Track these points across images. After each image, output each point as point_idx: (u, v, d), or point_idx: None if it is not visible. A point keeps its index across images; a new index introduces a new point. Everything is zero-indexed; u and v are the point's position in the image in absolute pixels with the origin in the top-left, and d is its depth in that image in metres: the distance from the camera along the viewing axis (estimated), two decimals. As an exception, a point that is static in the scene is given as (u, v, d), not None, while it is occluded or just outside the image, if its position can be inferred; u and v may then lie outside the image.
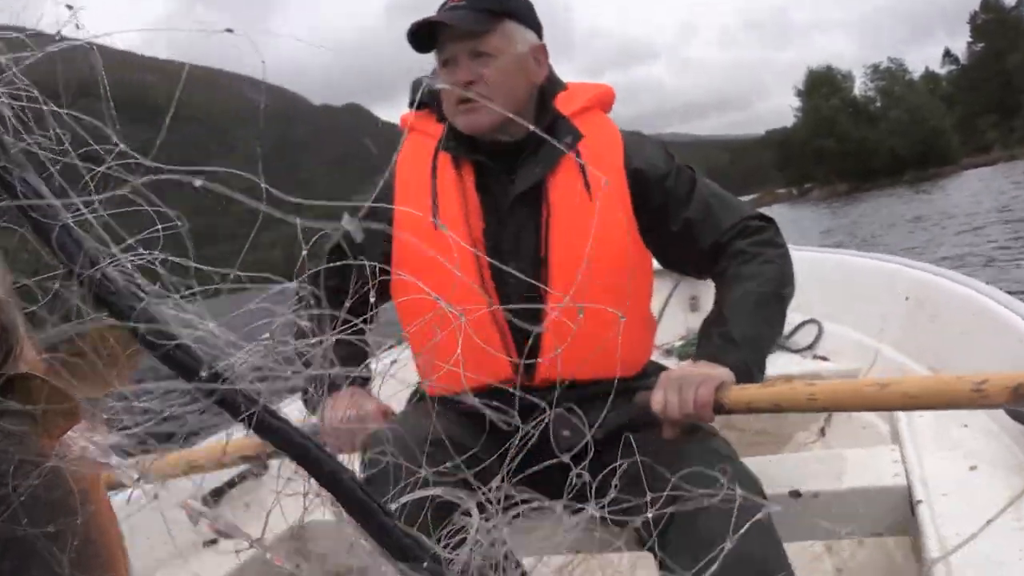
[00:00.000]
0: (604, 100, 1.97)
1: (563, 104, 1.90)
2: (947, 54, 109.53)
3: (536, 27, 1.88)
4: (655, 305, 1.94)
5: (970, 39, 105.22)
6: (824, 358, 3.04)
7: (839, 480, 1.81)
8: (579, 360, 1.77)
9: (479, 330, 1.77)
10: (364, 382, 1.85)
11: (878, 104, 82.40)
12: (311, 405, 1.80)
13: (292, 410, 2.52)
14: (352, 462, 1.70)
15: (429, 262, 1.80)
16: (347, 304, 1.91)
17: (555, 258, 1.76)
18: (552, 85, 1.92)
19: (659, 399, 1.58)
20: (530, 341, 1.74)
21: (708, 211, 1.81)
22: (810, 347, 3.14)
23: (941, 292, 2.50)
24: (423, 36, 1.79)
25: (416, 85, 2.01)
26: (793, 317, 3.20)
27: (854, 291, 3.09)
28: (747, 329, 1.64)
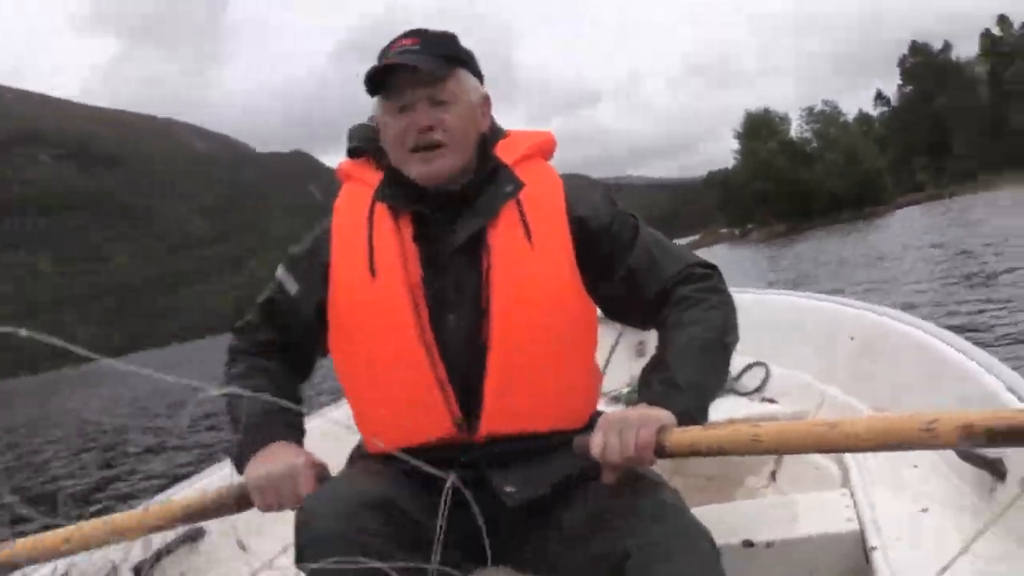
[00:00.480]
0: (545, 148, 1.94)
1: (504, 152, 1.87)
2: (879, 96, 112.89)
3: (480, 77, 1.88)
4: (600, 353, 1.90)
5: (900, 82, 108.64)
6: (772, 400, 3.02)
7: (792, 527, 1.78)
8: (522, 413, 1.73)
9: (418, 385, 1.72)
10: (298, 437, 1.79)
11: (814, 146, 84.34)
12: (239, 462, 1.73)
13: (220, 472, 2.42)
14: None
15: (367, 311, 1.75)
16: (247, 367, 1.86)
17: (497, 308, 1.71)
18: (493, 134, 1.90)
19: (598, 442, 1.53)
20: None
21: (651, 259, 1.78)
22: (758, 390, 3.13)
23: (886, 332, 2.51)
24: (377, 79, 1.76)
25: (353, 132, 1.97)
26: (740, 359, 3.19)
27: (801, 333, 3.09)
28: (690, 375, 1.60)
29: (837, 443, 1.40)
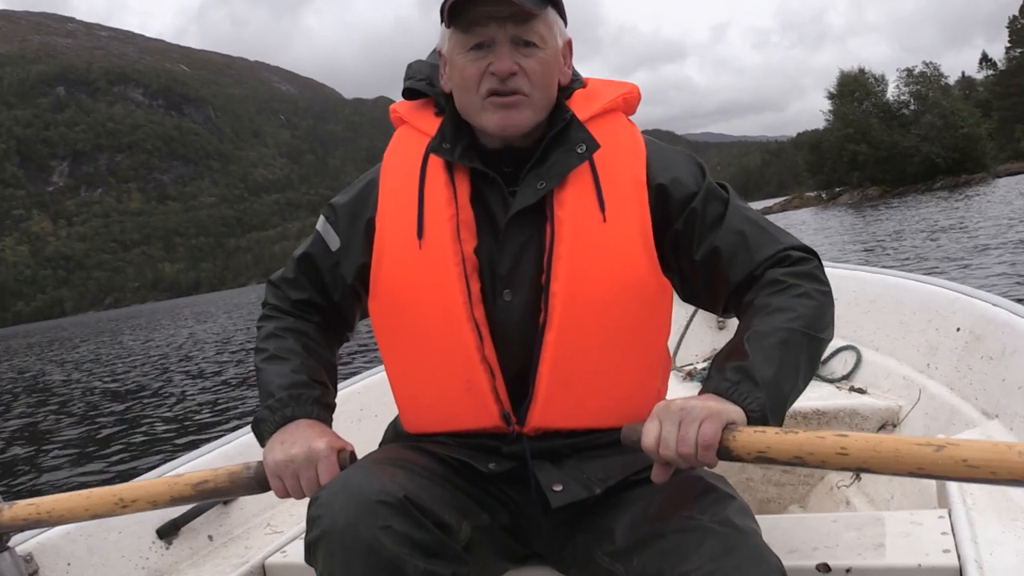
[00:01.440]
0: (628, 101, 1.70)
1: (580, 105, 1.64)
2: (984, 59, 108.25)
3: (565, 19, 1.64)
4: (675, 322, 1.66)
5: (1009, 44, 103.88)
6: (861, 390, 2.75)
7: (877, 553, 1.52)
8: (578, 407, 1.53)
9: (463, 368, 1.54)
10: (325, 414, 1.62)
11: (912, 108, 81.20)
12: (260, 438, 1.57)
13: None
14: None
15: (412, 280, 1.56)
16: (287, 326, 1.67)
17: (559, 287, 1.51)
18: (570, 83, 1.67)
19: (652, 433, 1.30)
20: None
21: (742, 239, 1.54)
22: (846, 377, 2.86)
23: (1001, 327, 2.20)
24: (457, 7, 1.53)
25: (413, 69, 1.75)
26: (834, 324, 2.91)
27: (899, 316, 2.78)
28: (768, 369, 1.34)
29: (943, 469, 1.14)
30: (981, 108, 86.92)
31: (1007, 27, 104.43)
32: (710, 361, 3.36)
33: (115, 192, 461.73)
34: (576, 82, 1.69)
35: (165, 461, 2.37)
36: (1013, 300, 2.33)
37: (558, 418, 1.53)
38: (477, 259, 1.55)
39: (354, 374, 3.01)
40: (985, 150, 76.60)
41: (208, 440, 2.50)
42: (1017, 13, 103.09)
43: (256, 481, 1.50)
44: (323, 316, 1.74)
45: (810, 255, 1.55)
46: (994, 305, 2.30)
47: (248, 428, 1.86)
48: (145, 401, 14.10)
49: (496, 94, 1.53)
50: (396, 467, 1.45)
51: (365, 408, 2.77)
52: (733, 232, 1.54)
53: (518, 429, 1.54)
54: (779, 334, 1.39)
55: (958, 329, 2.41)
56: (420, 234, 1.55)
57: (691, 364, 3.44)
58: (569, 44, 1.65)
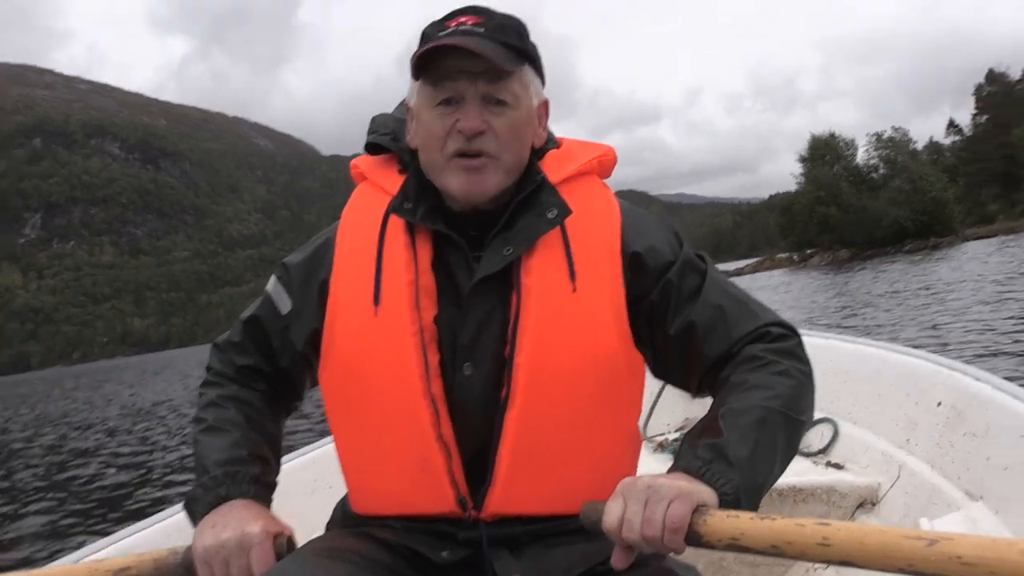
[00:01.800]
0: (604, 164, 1.61)
1: (553, 167, 1.55)
2: (951, 125, 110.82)
3: (543, 78, 1.55)
4: (648, 383, 1.56)
5: (975, 111, 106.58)
6: (839, 466, 2.65)
7: None
8: (540, 491, 1.42)
9: (417, 446, 1.42)
10: (264, 493, 1.48)
11: (881, 172, 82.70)
12: (192, 518, 1.44)
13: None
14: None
15: (366, 350, 1.45)
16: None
17: (523, 360, 1.40)
18: (544, 144, 1.59)
19: (615, 512, 1.18)
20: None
21: (720, 314, 1.44)
22: (823, 451, 2.75)
23: (985, 403, 2.11)
24: (428, 60, 1.43)
25: (377, 122, 1.66)
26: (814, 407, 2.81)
27: (878, 389, 2.69)
28: (743, 449, 1.23)
29: (938, 567, 1.03)
30: (948, 173, 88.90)
31: (973, 95, 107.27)
32: (683, 432, 3.26)
33: (87, 245, 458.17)
34: (550, 143, 1.61)
35: (107, 533, 2.20)
36: (996, 374, 2.24)
37: (518, 503, 1.42)
38: (437, 328, 1.45)
39: (316, 439, 2.87)
40: (952, 214, 78.13)
41: (149, 513, 2.33)
42: (983, 81, 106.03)
43: (183, 568, 1.37)
44: (269, 384, 1.62)
45: (791, 332, 1.45)
46: (977, 380, 2.21)
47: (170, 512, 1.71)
48: (91, 466, 13.60)
49: (462, 155, 1.43)
50: (336, 559, 1.33)
51: (320, 479, 2.63)
52: (711, 306, 1.45)
53: (475, 514, 1.43)
54: (756, 412, 1.28)
55: (939, 404, 2.32)
56: (376, 300, 1.45)
57: (662, 435, 3.32)
58: (546, 105, 1.57)
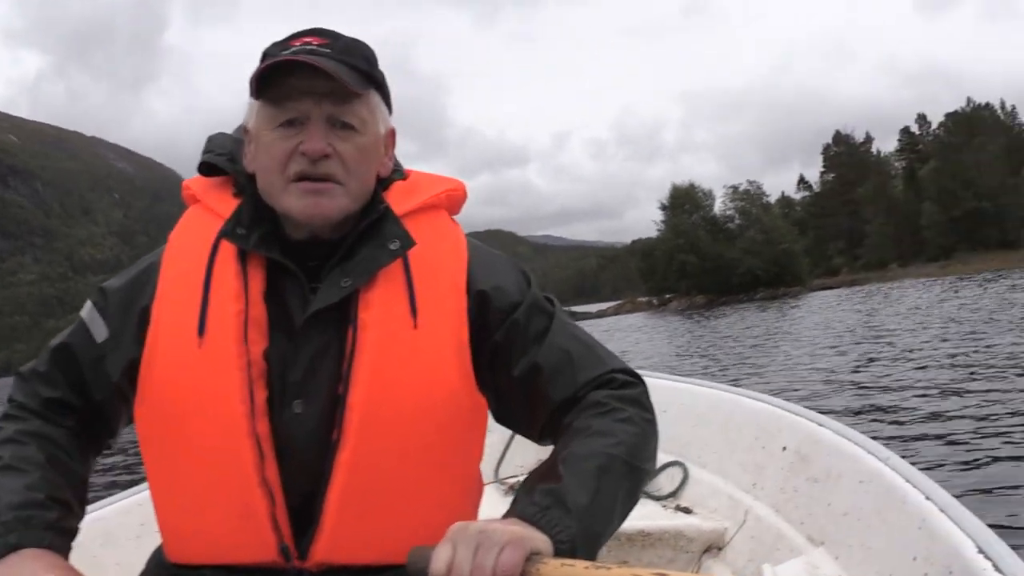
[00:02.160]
0: (453, 199, 1.55)
1: (398, 198, 1.47)
2: (802, 181, 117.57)
3: (390, 106, 1.49)
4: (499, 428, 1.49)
5: (823, 168, 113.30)
6: (687, 510, 2.64)
7: None
8: (371, 540, 1.33)
9: (238, 490, 1.30)
10: (62, 541, 1.32)
11: (737, 223, 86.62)
12: None
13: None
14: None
15: (187, 384, 1.32)
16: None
17: (357, 399, 1.31)
18: (390, 174, 1.51)
19: (443, 558, 1.09)
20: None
21: (566, 358, 1.39)
22: (672, 495, 2.75)
23: (826, 448, 2.14)
24: (266, 78, 1.34)
25: (214, 142, 1.54)
26: (657, 456, 2.80)
27: (727, 433, 2.71)
28: (583, 496, 1.18)
29: None
30: (799, 226, 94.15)
31: (822, 153, 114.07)
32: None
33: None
34: (396, 174, 1.54)
35: None
36: (838, 419, 2.29)
37: (347, 552, 1.32)
38: (267, 363, 1.34)
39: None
40: (801, 265, 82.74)
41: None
42: (830, 142, 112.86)
43: None
44: (79, 419, 1.45)
45: (636, 380, 1.42)
46: (820, 425, 2.25)
47: None
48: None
49: (305, 178, 1.34)
50: None
51: (148, 523, 2.42)
52: (557, 349, 1.40)
53: (299, 564, 1.32)
54: (598, 459, 1.23)
55: (784, 448, 2.35)
56: (201, 330, 1.33)
57: (515, 476, 3.25)
58: (392, 133, 1.50)
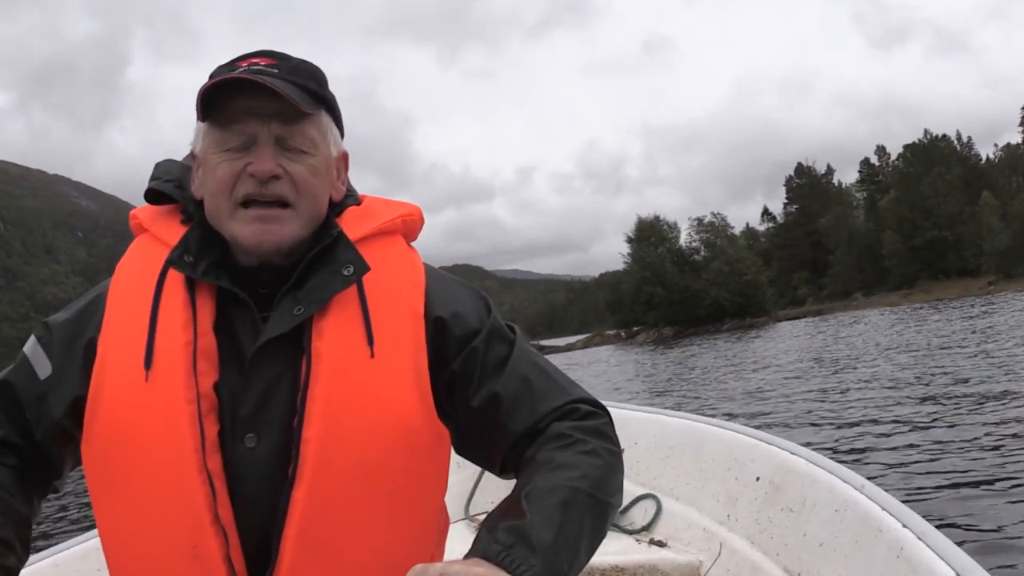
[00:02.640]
0: (409, 224, 1.50)
1: (352, 223, 1.42)
2: (765, 212, 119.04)
3: (342, 129, 1.44)
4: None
5: (786, 200, 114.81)
6: (662, 543, 2.60)
7: None
8: None
9: (189, 531, 1.24)
10: None
11: (702, 255, 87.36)
12: None
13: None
14: None
15: (134, 420, 1.27)
16: None
17: (313, 433, 1.25)
18: (343, 199, 1.47)
19: None
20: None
21: (526, 387, 1.34)
22: (646, 528, 2.70)
23: (800, 477, 2.12)
24: (211, 99, 1.29)
25: (160, 169, 1.49)
26: (629, 488, 2.76)
27: (699, 464, 2.67)
28: (547, 532, 1.12)
29: None
30: (763, 257, 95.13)
31: (784, 185, 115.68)
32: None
33: None
34: (350, 198, 1.49)
35: None
36: (811, 448, 2.27)
37: None
38: (217, 397, 1.28)
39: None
40: (766, 296, 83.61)
41: None
42: (792, 173, 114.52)
43: None
44: (21, 459, 1.38)
45: (600, 410, 1.37)
46: (792, 453, 2.23)
47: None
48: None
49: (253, 202, 1.30)
50: None
51: (105, 568, 2.35)
52: (517, 378, 1.35)
53: None
54: (561, 493, 1.18)
55: (757, 478, 2.32)
56: (148, 363, 1.27)
57: (486, 512, 3.19)
58: (345, 157, 1.46)
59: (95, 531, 2.51)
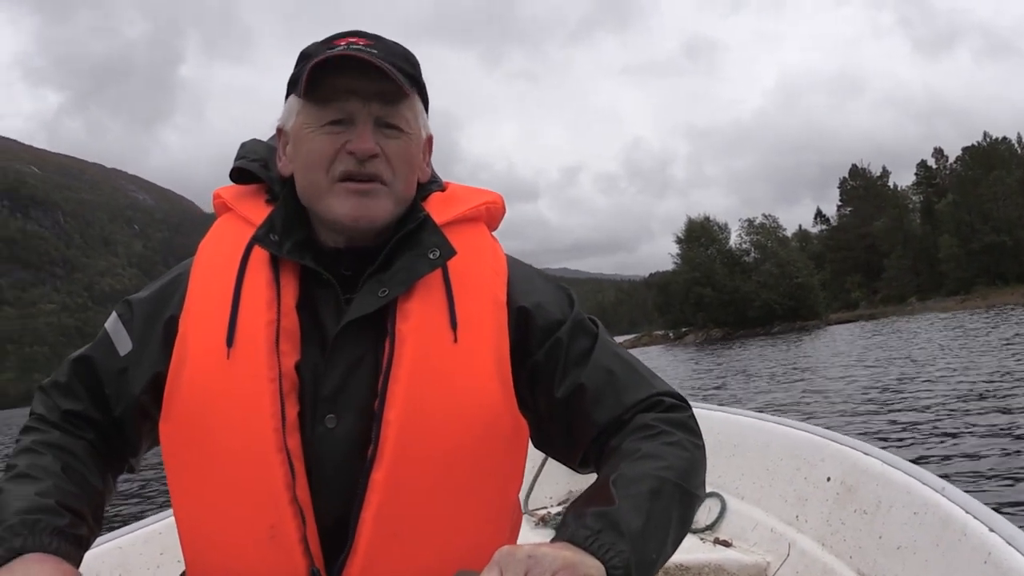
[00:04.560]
0: (492, 212, 1.49)
1: (437, 208, 1.41)
2: (819, 214, 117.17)
3: (428, 112, 1.44)
4: (529, 453, 1.41)
5: (840, 203, 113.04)
6: (727, 543, 2.56)
7: None
8: (407, 564, 1.25)
9: (266, 509, 1.23)
10: (71, 550, 1.23)
11: (752, 256, 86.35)
12: None
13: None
14: None
15: (214, 398, 1.27)
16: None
17: (394, 415, 1.24)
18: (428, 182, 1.46)
19: None
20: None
21: (610, 379, 1.32)
22: (711, 527, 2.66)
23: (875, 478, 2.06)
24: (314, 76, 1.29)
25: (247, 148, 1.49)
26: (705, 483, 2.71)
27: (765, 463, 2.62)
28: (636, 519, 1.10)
29: None
30: (816, 260, 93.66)
31: (838, 187, 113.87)
32: (566, 505, 3.12)
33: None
34: (434, 183, 1.48)
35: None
36: (884, 448, 2.21)
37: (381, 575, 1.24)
38: (299, 376, 1.27)
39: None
40: (818, 299, 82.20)
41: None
42: (847, 175, 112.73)
43: None
44: (99, 434, 1.39)
45: (683, 403, 1.35)
46: (866, 454, 2.17)
47: None
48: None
49: (351, 178, 1.30)
50: None
51: (168, 552, 2.38)
52: (601, 370, 1.33)
53: None
54: (649, 482, 1.16)
55: (828, 479, 2.27)
56: (230, 341, 1.27)
57: (544, 508, 3.17)
58: (430, 140, 1.45)
59: (155, 516, 2.55)
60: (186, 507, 1.32)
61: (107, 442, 1.40)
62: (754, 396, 16.60)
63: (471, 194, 1.49)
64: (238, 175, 1.48)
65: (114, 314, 1.42)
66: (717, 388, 20.16)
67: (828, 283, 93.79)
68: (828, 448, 2.33)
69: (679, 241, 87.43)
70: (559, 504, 3.25)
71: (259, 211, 1.40)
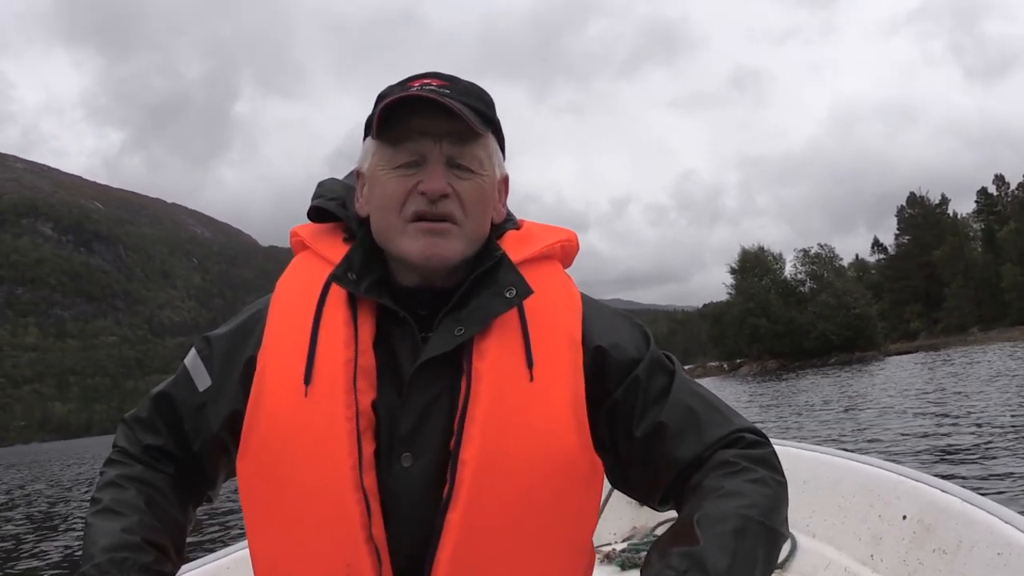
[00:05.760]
0: (567, 250, 1.49)
1: (513, 247, 1.43)
2: (876, 243, 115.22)
3: (504, 153, 1.45)
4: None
5: (897, 231, 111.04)
6: (798, 583, 2.50)
7: None
8: None
9: (342, 547, 1.24)
10: None
11: (808, 287, 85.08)
12: None
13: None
14: None
15: (291, 436, 1.28)
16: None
17: (471, 455, 1.25)
18: (503, 222, 1.47)
19: None
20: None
21: (691, 416, 1.32)
22: (780, 566, 2.60)
23: (955, 517, 2.00)
24: (389, 116, 1.32)
25: (325, 187, 1.52)
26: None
27: (837, 500, 2.56)
28: (722, 559, 1.10)
29: None
30: (873, 290, 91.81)
31: (896, 216, 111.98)
32: (630, 542, 3.08)
33: (11, 326, 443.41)
34: (510, 222, 1.49)
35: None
36: (963, 486, 2.15)
37: None
38: (375, 415, 1.28)
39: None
40: (876, 329, 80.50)
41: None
42: (904, 203, 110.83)
43: None
44: (179, 468, 1.42)
45: (764, 440, 1.34)
46: (944, 492, 2.11)
47: None
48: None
49: (423, 218, 1.31)
50: None
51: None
52: (681, 407, 1.32)
53: None
54: (734, 520, 1.15)
55: (904, 517, 2.21)
56: (308, 379, 1.28)
57: (609, 544, 3.13)
58: (506, 180, 1.46)
59: (226, 550, 2.57)
60: (262, 543, 1.33)
61: (186, 476, 1.43)
62: (816, 430, 16.25)
63: (546, 232, 1.50)
64: (316, 214, 1.51)
65: (193, 350, 1.46)
66: (776, 421, 19.80)
67: (887, 313, 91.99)
68: (903, 485, 2.27)
69: (733, 271, 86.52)
70: (623, 540, 3.21)
71: (336, 249, 1.42)
